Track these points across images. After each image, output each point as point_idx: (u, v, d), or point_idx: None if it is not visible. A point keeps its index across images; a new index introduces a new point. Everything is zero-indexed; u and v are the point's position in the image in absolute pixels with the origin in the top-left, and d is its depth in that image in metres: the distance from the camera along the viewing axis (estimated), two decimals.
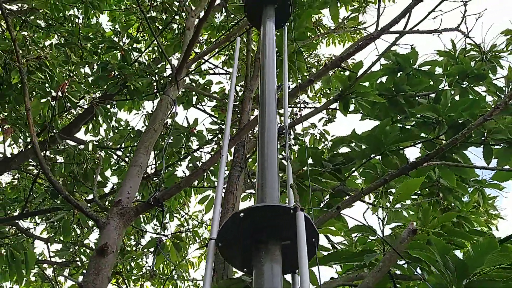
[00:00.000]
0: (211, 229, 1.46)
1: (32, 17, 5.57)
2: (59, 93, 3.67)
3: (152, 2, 6.48)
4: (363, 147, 4.34)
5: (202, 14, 4.12)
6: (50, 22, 5.81)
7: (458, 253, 2.54)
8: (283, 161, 6.61)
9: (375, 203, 4.53)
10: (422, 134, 4.58)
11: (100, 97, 4.98)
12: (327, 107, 4.48)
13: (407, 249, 2.11)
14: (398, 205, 4.04)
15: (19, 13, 5.91)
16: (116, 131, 6.98)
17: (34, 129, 2.88)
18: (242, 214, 1.36)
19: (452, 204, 4.66)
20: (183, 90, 5.12)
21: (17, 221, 6.17)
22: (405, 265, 2.42)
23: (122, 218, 2.60)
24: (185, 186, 3.20)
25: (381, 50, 4.68)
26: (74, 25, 5.76)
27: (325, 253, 2.89)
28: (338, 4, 5.76)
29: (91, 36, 6.24)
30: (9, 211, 6.63)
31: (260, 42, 3.13)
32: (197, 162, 5.40)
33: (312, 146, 6.99)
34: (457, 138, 2.85)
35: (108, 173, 6.48)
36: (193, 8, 5.71)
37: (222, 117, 6.63)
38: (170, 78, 3.86)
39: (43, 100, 3.91)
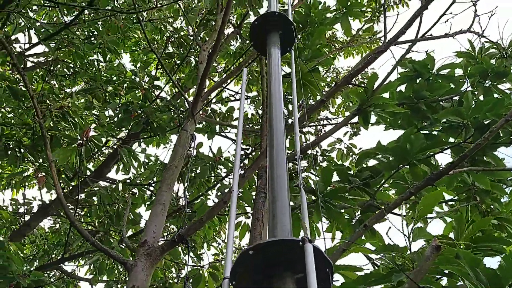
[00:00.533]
0: (225, 267, 1.46)
1: (58, 66, 5.85)
2: (84, 139, 3.79)
3: (169, 38, 6.67)
4: (390, 158, 4.28)
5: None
6: (75, 69, 6.07)
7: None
8: (310, 181, 6.54)
9: (408, 214, 4.43)
10: (451, 139, 4.48)
11: (125, 137, 5.13)
12: (346, 123, 4.44)
13: (436, 265, 2.05)
14: (433, 214, 3.94)
15: (45, 64, 6.20)
16: (146, 166, 7.14)
17: (58, 182, 2.99)
18: (251, 251, 1.36)
19: (492, 207, 4.49)
20: (204, 122, 5.19)
21: (61, 264, 6.35)
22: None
23: (149, 258, 2.64)
24: (207, 219, 3.22)
25: (397, 56, 4.62)
26: (97, 69, 5.99)
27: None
28: (350, 18, 5.76)
29: (114, 78, 6.49)
30: (52, 256, 6.85)
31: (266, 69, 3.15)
32: (226, 190, 5.43)
33: (338, 162, 6.90)
34: (481, 143, 2.76)
35: (142, 209, 6.60)
36: (206, 39, 5.83)
37: (247, 142, 6.67)
38: (187, 113, 3.94)
39: (70, 147, 4.05)
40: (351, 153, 7.19)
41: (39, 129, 4.31)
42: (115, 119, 4.88)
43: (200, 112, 4.03)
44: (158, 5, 4.77)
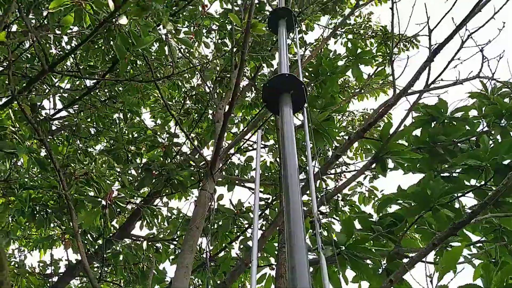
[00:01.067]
0: None
1: (82, 126, 6.09)
2: (108, 202, 3.90)
3: (186, 94, 6.90)
4: (412, 204, 4.24)
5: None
6: (98, 128, 6.31)
7: None
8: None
9: (436, 261, 4.34)
10: (472, 181, 4.43)
11: (146, 196, 5.24)
12: (363, 172, 4.46)
13: None
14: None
15: (69, 126, 6.44)
16: (170, 220, 7.20)
17: (82, 249, 3.08)
18: None
19: None
20: (223, 176, 5.27)
21: None
22: None
23: None
24: (230, 283, 3.22)
25: (411, 100, 4.66)
26: (119, 129, 6.18)
27: None
28: (360, 65, 5.90)
29: (135, 134, 6.68)
30: None
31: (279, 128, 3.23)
32: (249, 243, 5.43)
33: (360, 206, 6.84)
34: (500, 189, 2.75)
35: (166, 263, 6.60)
36: (223, 95, 6.00)
37: (267, 191, 6.70)
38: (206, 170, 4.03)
39: (94, 210, 4.16)
40: (372, 196, 7.14)
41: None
42: (137, 179, 5.01)
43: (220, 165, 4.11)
44: (176, 70, 4.99)
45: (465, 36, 3.92)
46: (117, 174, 5.28)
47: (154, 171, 4.83)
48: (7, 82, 2.91)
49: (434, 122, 4.60)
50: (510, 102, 4.56)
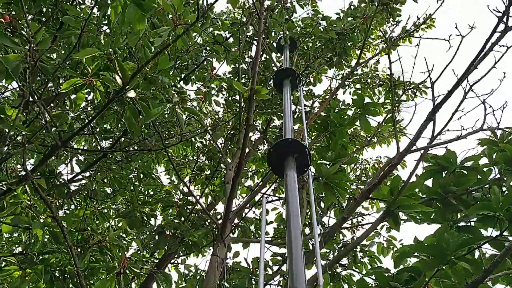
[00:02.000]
0: None
1: (99, 189, 6.21)
2: (122, 268, 3.93)
3: (199, 150, 7.03)
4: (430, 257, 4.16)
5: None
6: (114, 189, 6.42)
7: None
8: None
9: None
10: (489, 229, 4.35)
11: (162, 257, 5.25)
12: (376, 227, 4.42)
13: None
14: None
15: (85, 188, 6.57)
16: (187, 278, 7.14)
17: None
18: None
19: None
20: (240, 229, 5.27)
21: None
22: None
23: None
24: None
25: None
26: (135, 190, 6.27)
27: None
28: (368, 116, 5.98)
29: (151, 192, 6.77)
30: None
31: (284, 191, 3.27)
32: None
33: (379, 257, 6.70)
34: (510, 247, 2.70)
35: None
36: (234, 150, 6.10)
37: (283, 245, 6.64)
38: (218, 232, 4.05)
39: (109, 277, 4.18)
40: (391, 246, 7.00)
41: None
42: (152, 241, 5.05)
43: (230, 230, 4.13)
44: (184, 137, 5.16)
45: (467, 87, 3.99)
46: (133, 236, 5.33)
47: (168, 234, 4.87)
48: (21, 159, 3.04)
49: (445, 172, 4.58)
50: None
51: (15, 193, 3.35)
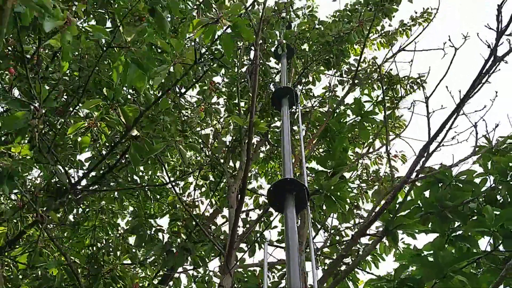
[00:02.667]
0: None
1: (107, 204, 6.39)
2: None
3: (204, 160, 7.15)
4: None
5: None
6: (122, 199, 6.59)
7: None
8: None
9: None
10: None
11: (169, 270, 5.45)
12: (375, 246, 4.58)
13: None
14: None
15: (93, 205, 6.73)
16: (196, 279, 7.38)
17: None
18: None
19: None
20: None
21: None
22: None
23: None
24: None
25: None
26: (142, 203, 6.44)
27: None
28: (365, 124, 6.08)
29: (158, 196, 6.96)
30: None
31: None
32: None
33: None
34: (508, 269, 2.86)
35: None
36: (233, 180, 6.16)
37: None
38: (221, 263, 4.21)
39: None
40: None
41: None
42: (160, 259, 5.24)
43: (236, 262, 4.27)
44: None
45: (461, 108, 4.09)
46: (142, 254, 5.53)
47: (176, 251, 5.06)
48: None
49: (441, 184, 4.72)
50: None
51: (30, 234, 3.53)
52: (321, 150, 7.42)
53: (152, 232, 5.85)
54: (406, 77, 8.67)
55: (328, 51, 7.46)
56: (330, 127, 6.33)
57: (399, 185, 3.76)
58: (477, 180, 4.80)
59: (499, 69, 3.54)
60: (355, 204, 6.36)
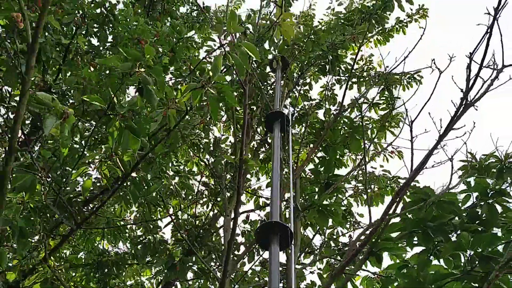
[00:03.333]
0: None
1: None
2: None
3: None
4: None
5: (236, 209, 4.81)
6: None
7: None
8: None
9: None
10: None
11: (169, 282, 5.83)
12: (361, 267, 4.88)
13: None
14: None
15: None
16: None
17: None
18: None
19: None
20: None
21: None
22: None
23: None
24: None
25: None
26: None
27: None
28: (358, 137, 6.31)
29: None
30: None
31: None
32: None
33: None
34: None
35: None
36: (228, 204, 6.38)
37: None
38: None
39: None
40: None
41: None
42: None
43: None
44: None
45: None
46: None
47: (178, 265, 5.42)
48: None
49: (424, 202, 4.98)
50: (495, 177, 4.89)
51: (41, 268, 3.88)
52: (319, 154, 7.67)
53: (157, 243, 6.23)
54: (403, 73, 8.82)
55: (323, 57, 7.61)
56: (324, 137, 6.56)
57: (376, 225, 4.03)
58: (461, 196, 5.08)
59: (477, 107, 3.75)
60: (349, 211, 6.64)
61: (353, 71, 9.24)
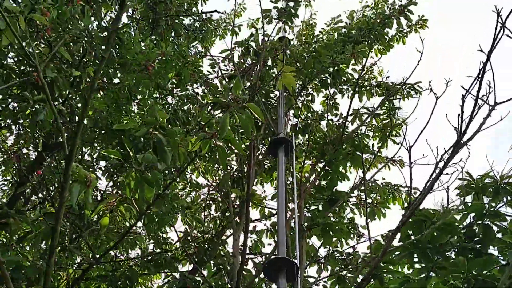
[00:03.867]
0: None
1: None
2: None
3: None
4: None
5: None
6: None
7: None
8: None
9: None
10: None
11: None
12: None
13: None
14: None
15: None
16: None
17: None
18: None
19: None
20: None
21: None
22: None
23: None
24: None
25: None
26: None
27: None
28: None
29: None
30: None
31: None
32: None
33: None
34: None
35: None
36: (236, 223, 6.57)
37: None
38: None
39: None
40: None
41: None
42: None
43: None
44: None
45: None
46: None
47: (188, 284, 5.69)
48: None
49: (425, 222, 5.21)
50: (492, 196, 5.10)
51: None
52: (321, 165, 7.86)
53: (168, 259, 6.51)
54: (403, 83, 9.01)
55: (324, 72, 7.81)
56: (326, 153, 6.78)
57: (375, 262, 4.28)
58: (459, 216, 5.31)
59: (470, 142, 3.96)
60: (352, 224, 6.87)
61: (353, 80, 9.45)
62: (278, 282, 3.72)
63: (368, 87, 9.43)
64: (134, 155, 3.21)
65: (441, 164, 4.57)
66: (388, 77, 9.23)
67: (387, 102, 8.79)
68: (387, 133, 8.43)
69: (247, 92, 7.28)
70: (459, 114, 3.59)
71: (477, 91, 3.53)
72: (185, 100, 6.71)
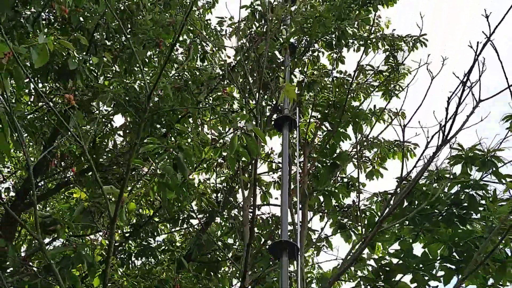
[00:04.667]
0: None
1: None
2: None
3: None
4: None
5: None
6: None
7: None
8: None
9: None
10: None
11: None
12: (357, 258, 5.75)
13: None
14: None
15: None
16: None
17: None
18: None
19: None
20: None
21: None
22: None
23: None
24: None
25: None
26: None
27: None
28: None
29: None
30: None
31: None
32: None
33: None
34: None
35: None
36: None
37: None
38: None
39: None
40: None
41: None
42: None
43: None
44: None
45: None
46: None
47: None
48: None
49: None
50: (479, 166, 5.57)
51: None
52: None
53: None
54: (408, 36, 9.12)
55: (328, 33, 7.94)
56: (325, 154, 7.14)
57: (364, 244, 4.87)
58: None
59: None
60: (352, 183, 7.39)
61: (359, 34, 9.45)
62: (281, 261, 4.39)
63: (374, 40, 9.49)
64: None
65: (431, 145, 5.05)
66: (394, 29, 9.28)
67: (391, 58, 8.95)
68: (390, 88, 8.73)
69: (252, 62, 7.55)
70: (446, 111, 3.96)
71: (462, 88, 3.87)
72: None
